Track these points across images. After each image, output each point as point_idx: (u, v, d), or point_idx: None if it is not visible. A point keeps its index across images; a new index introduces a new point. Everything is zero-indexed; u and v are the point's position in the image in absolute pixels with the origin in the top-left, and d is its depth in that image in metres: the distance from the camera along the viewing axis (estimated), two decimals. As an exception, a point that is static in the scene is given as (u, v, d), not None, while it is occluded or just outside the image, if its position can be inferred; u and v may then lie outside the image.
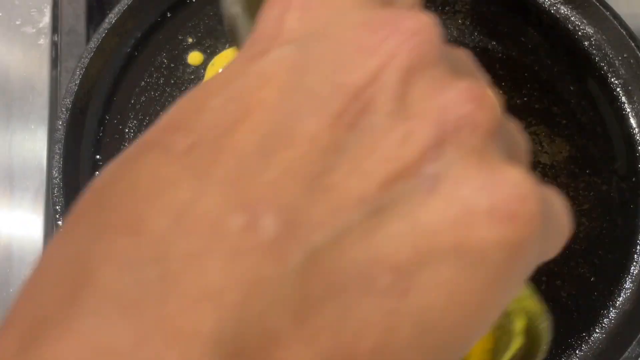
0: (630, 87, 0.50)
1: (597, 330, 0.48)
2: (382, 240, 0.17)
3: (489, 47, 0.51)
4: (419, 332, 0.17)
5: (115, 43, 0.49)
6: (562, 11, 0.51)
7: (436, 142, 0.17)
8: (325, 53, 0.18)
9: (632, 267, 0.49)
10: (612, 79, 0.51)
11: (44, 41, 0.52)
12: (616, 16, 0.50)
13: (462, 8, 0.52)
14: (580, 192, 0.50)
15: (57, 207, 0.43)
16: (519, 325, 0.24)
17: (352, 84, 0.18)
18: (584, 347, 0.48)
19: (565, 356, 0.48)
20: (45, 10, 0.53)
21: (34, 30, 0.53)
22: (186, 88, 0.50)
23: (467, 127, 0.18)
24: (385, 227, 0.17)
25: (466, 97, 0.18)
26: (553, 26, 0.52)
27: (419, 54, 0.18)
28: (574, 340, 0.48)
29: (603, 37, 0.51)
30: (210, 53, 0.50)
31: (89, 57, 0.47)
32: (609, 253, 0.49)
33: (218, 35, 0.51)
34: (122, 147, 0.48)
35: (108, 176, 0.18)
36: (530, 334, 0.23)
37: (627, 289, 0.48)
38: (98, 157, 0.48)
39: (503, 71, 0.51)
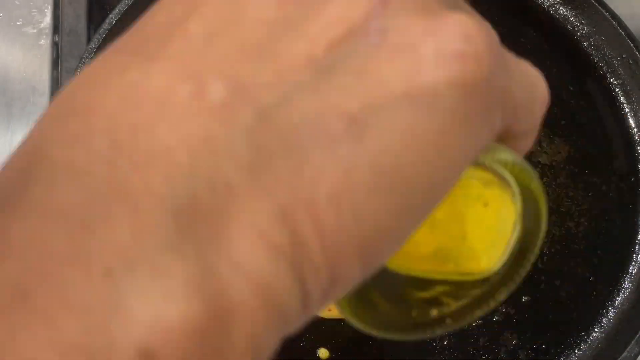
0: (629, 88, 0.50)
1: (596, 329, 0.48)
2: (333, 93, 0.17)
3: (488, 47, 0.51)
4: (377, 176, 0.17)
5: (115, 43, 0.49)
6: (561, 12, 0.52)
7: (380, 0, 0.18)
8: None
9: (631, 267, 0.49)
10: (611, 80, 0.51)
11: (45, 42, 0.52)
12: (615, 17, 0.50)
13: (461, 8, 0.52)
14: (580, 192, 0.50)
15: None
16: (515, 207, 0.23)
17: None
18: (582, 346, 0.48)
19: (564, 356, 0.48)
20: (46, 10, 0.53)
21: (35, 30, 0.53)
22: (186, 88, 0.50)
23: None
24: (335, 81, 0.17)
25: None
26: (552, 27, 0.52)
27: None
28: (573, 340, 0.48)
29: (602, 37, 0.51)
30: (210, 53, 0.50)
31: (89, 57, 0.47)
32: (608, 253, 0.49)
33: (218, 35, 0.51)
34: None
35: (70, 84, 0.18)
36: (529, 210, 0.23)
37: (626, 288, 0.48)
38: (99, 157, 0.48)
39: (502, 71, 0.51)
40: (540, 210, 0.23)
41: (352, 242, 0.17)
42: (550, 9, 0.52)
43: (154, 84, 0.17)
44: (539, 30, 0.52)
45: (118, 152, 0.16)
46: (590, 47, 0.51)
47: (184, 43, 0.17)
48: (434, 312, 0.24)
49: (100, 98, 0.17)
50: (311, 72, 0.17)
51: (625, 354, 0.45)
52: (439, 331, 0.24)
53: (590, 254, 0.49)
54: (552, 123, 0.51)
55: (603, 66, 0.51)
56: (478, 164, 0.21)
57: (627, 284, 0.48)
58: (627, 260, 0.49)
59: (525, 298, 0.48)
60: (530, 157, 0.50)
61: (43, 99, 0.51)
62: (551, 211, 0.50)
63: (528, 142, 0.23)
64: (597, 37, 0.51)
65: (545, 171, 0.50)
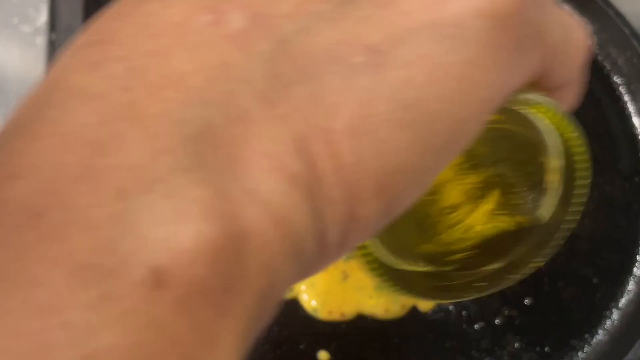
0: (633, 86, 0.50)
1: (599, 332, 0.48)
2: (354, 24, 0.17)
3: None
4: (398, 109, 0.16)
5: (113, 42, 0.48)
6: (565, 10, 0.51)
7: None
8: None
9: (635, 269, 0.48)
10: (615, 78, 0.51)
11: (41, 40, 0.52)
12: (619, 15, 0.49)
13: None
14: (583, 192, 0.50)
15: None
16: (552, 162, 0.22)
17: None
18: (586, 348, 0.47)
19: (567, 358, 0.47)
20: (42, 9, 0.52)
21: (31, 29, 0.52)
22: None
23: None
24: (357, 12, 0.17)
25: None
26: (555, 25, 0.51)
27: None
28: (576, 342, 0.47)
29: (606, 36, 0.50)
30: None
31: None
32: (612, 254, 0.49)
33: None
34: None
35: (93, 20, 0.18)
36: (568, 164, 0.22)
37: (630, 290, 0.48)
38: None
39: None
40: (583, 162, 0.22)
41: (370, 178, 0.16)
42: (553, 7, 0.51)
43: (172, 12, 0.17)
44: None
45: (134, 77, 0.16)
46: (594, 46, 0.51)
47: None
48: (468, 274, 0.24)
49: (119, 28, 0.17)
50: (332, 3, 0.17)
51: (629, 356, 0.45)
52: (469, 295, 0.24)
53: (594, 256, 0.49)
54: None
55: (607, 65, 0.51)
56: (517, 108, 0.20)
57: (631, 286, 0.48)
58: (631, 262, 0.48)
59: (528, 300, 0.48)
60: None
61: (39, 98, 0.51)
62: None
63: (571, 96, 0.22)
64: (601, 35, 0.51)
65: (549, 171, 0.50)
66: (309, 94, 0.16)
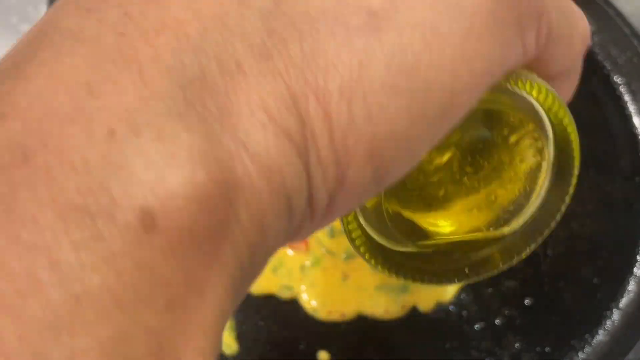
0: (633, 87, 0.50)
1: (600, 332, 0.48)
2: None
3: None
4: (393, 74, 0.16)
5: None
6: None
7: None
8: None
9: (636, 269, 0.48)
10: (616, 78, 0.50)
11: (41, 39, 0.52)
12: (619, 15, 0.49)
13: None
14: (584, 192, 0.50)
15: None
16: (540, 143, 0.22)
17: None
18: (586, 349, 0.47)
19: (567, 358, 0.47)
20: (41, 7, 0.52)
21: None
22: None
23: None
24: None
25: None
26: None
27: None
28: (577, 342, 0.47)
29: (606, 36, 0.50)
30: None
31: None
32: (613, 255, 0.49)
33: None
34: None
35: None
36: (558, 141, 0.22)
37: (631, 291, 0.48)
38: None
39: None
40: (572, 146, 0.22)
41: (362, 142, 0.16)
42: (553, 7, 0.51)
43: None
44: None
45: (129, 22, 0.16)
46: (595, 46, 0.51)
47: None
48: (455, 259, 0.24)
49: None
50: None
51: (630, 356, 0.45)
52: (455, 280, 0.24)
53: (595, 256, 0.49)
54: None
55: (607, 65, 0.51)
56: (507, 91, 0.20)
57: (632, 287, 0.48)
58: (632, 262, 0.48)
59: (528, 300, 0.48)
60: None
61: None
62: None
63: (568, 87, 0.22)
64: (601, 35, 0.50)
65: (549, 171, 0.50)
66: (305, 52, 0.16)
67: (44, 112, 0.15)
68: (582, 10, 0.50)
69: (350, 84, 0.16)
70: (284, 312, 0.47)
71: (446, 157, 0.23)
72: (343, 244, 0.47)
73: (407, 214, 0.24)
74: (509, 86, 0.19)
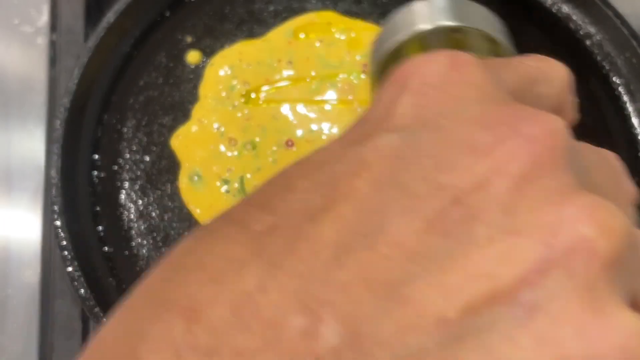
0: (632, 87, 0.50)
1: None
2: None
3: (490, 46, 0.51)
4: None
5: (113, 42, 0.48)
6: (564, 10, 0.51)
7: (541, 266, 0.15)
8: (432, 147, 0.17)
9: (635, 268, 0.48)
10: (614, 79, 0.51)
11: (42, 40, 0.52)
12: (618, 15, 0.49)
13: (463, 7, 0.51)
14: (582, 192, 0.50)
15: (55, 207, 0.43)
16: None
17: (455, 187, 0.16)
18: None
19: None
20: (43, 9, 0.52)
21: (32, 29, 0.52)
22: (185, 87, 0.49)
23: (582, 254, 0.15)
24: (461, 356, 0.15)
25: (587, 216, 0.15)
26: (554, 25, 0.51)
27: (537, 162, 0.16)
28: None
29: (605, 36, 0.50)
30: (209, 52, 0.50)
31: (87, 56, 0.46)
32: (611, 254, 0.49)
33: (217, 34, 0.51)
34: (120, 146, 0.48)
35: (186, 245, 0.17)
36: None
37: (630, 290, 0.48)
38: (96, 156, 0.48)
39: (504, 71, 0.51)
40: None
41: None
42: (552, 8, 0.51)
43: (267, 302, 0.15)
44: (541, 29, 0.52)
45: None
46: (593, 46, 0.51)
47: (312, 255, 0.15)
48: None
49: (210, 301, 0.15)
50: (437, 338, 0.15)
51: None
52: None
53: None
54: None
55: (606, 65, 0.51)
56: None
57: (630, 286, 0.48)
58: (630, 261, 0.48)
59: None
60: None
61: (40, 98, 0.51)
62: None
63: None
64: (600, 36, 0.51)
65: (548, 171, 0.50)
66: None
67: None
68: (582, 10, 0.50)
69: None
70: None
71: None
72: None
73: None
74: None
